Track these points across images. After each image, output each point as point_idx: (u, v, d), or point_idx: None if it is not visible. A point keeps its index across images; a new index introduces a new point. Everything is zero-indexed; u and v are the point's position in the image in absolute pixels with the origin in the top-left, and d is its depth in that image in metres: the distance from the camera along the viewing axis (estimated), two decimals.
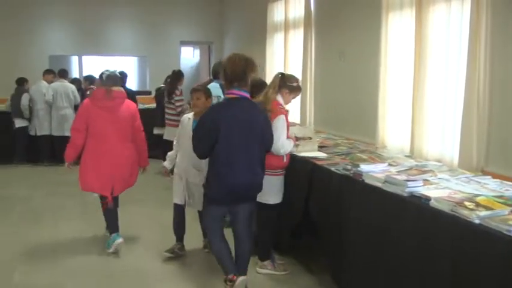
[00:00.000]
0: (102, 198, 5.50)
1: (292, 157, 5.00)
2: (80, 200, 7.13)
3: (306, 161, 4.84)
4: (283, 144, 4.53)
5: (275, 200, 4.80)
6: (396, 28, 5.59)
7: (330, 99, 7.29)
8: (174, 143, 5.39)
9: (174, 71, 8.95)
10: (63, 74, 10.60)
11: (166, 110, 8.73)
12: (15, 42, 12.14)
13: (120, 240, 5.41)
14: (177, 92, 8.54)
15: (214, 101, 6.45)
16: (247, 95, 4.18)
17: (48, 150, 10.20)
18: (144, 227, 6.30)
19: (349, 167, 4.20)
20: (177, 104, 8.45)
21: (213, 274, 4.82)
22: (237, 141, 4.04)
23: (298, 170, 4.89)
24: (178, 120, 8.44)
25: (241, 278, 4.21)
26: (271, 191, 4.71)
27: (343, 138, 6.12)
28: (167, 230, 5.52)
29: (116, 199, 5.56)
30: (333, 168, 4.37)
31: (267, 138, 4.30)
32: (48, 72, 10.58)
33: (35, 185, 8.54)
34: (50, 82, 10.32)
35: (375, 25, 5.83)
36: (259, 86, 5.00)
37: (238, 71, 4.09)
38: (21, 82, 10.23)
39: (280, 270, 4.91)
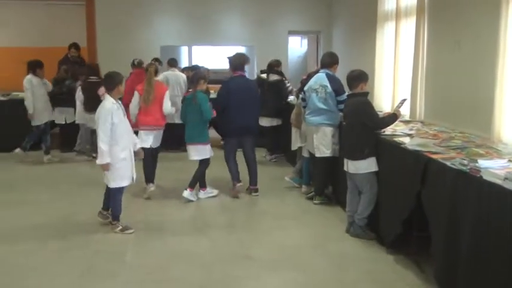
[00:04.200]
0: None
1: (403, 149, 4.93)
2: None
3: (419, 154, 4.67)
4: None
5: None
6: None
7: (443, 90, 7.02)
8: None
9: None
10: (173, 63, 10.65)
11: None
12: (133, 34, 12.95)
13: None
14: None
15: (321, 90, 6.44)
16: (245, 74, 7.42)
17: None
18: None
19: (465, 162, 4.02)
20: None
21: None
22: (241, 100, 7.01)
23: (409, 162, 4.77)
24: None
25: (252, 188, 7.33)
26: None
27: (457, 131, 5.86)
28: None
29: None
30: (448, 163, 4.17)
31: (258, 99, 7.53)
32: (155, 61, 10.66)
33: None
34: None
35: (494, 13, 5.52)
36: (356, 77, 5.70)
37: (239, 63, 7.24)
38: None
39: None
